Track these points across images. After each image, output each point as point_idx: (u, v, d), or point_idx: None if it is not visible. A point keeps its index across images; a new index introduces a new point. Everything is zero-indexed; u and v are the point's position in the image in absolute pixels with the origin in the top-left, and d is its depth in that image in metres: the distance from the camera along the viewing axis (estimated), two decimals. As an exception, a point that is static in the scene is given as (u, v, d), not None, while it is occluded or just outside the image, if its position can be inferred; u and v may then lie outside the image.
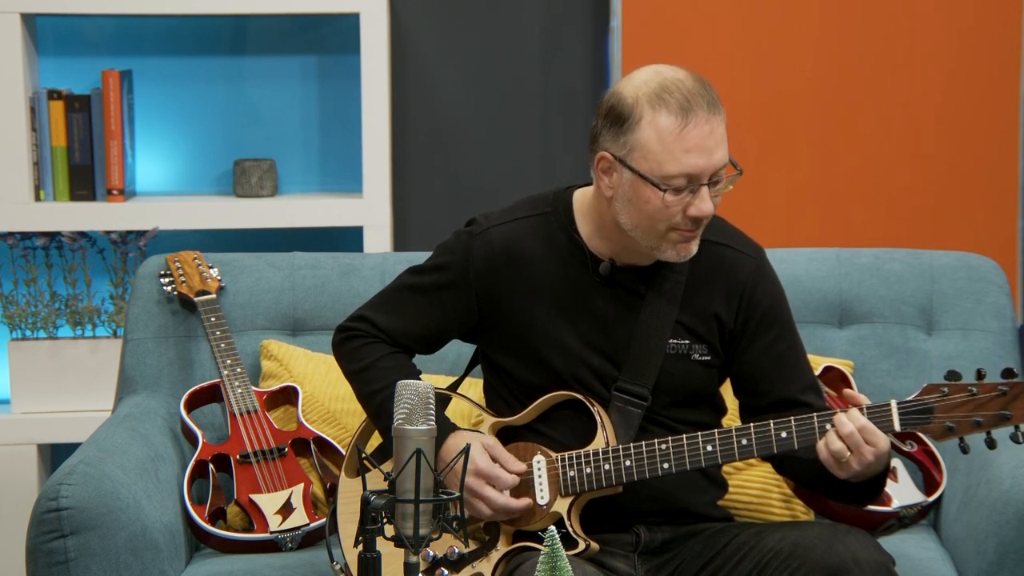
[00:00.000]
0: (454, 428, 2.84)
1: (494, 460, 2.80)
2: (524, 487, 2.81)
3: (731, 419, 3.02)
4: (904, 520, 3.25)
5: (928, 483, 3.32)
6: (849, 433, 2.67)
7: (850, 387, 3.37)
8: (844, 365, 3.40)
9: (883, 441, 2.69)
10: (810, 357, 3.28)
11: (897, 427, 2.70)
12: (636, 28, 4.15)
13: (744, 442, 2.76)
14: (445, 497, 2.26)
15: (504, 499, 2.78)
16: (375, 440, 3.01)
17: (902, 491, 3.27)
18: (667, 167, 2.68)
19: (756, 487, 3.21)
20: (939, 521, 3.28)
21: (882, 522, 3.23)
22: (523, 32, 4.30)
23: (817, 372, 3.36)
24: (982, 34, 4.18)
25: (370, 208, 4.08)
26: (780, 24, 4.17)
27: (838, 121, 4.19)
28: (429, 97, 4.31)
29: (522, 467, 2.81)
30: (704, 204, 2.70)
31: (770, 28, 4.17)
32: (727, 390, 2.97)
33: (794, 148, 4.20)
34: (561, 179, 4.25)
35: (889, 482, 3.26)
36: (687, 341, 2.85)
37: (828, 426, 2.71)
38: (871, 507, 3.20)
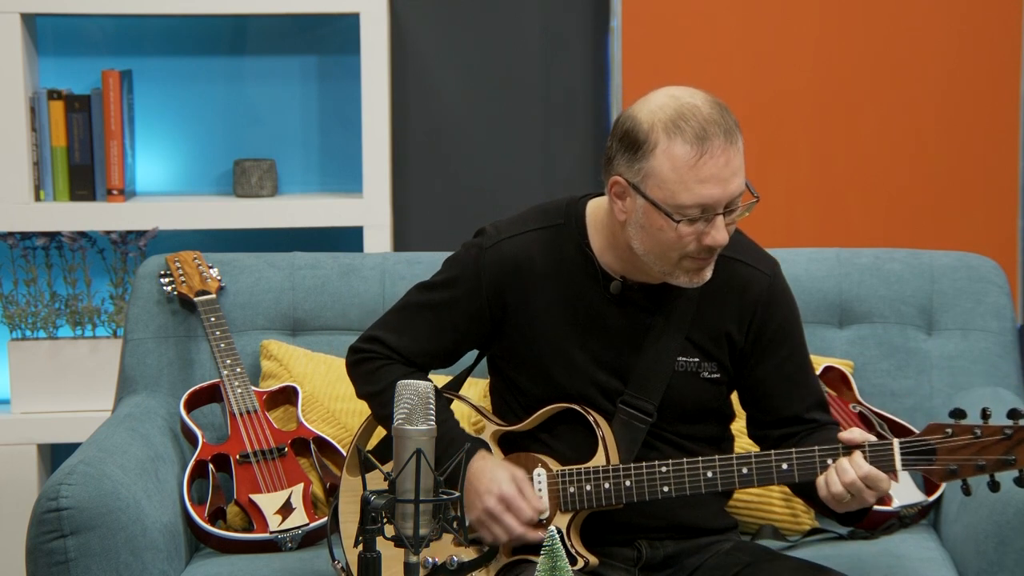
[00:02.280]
0: (465, 440, 2.82)
1: (519, 492, 2.79)
2: None
3: (737, 422, 3.00)
4: (904, 520, 3.25)
5: (928, 483, 3.32)
6: (851, 482, 2.65)
7: (850, 387, 3.37)
8: (844, 365, 3.40)
9: (885, 483, 2.66)
10: (810, 357, 3.28)
11: (899, 467, 2.67)
12: (636, 28, 4.15)
13: (745, 471, 2.73)
14: (445, 497, 2.26)
15: (522, 529, 2.76)
16: (375, 440, 3.01)
17: (902, 491, 3.27)
18: (681, 197, 2.62)
19: (756, 487, 3.21)
20: (939, 521, 3.28)
21: (882, 522, 3.23)
22: (523, 32, 4.30)
23: (817, 372, 3.35)
24: (982, 34, 4.18)
25: (370, 208, 4.08)
26: (780, 24, 4.17)
27: (838, 121, 4.19)
28: (429, 97, 4.30)
29: (545, 507, 2.79)
30: (719, 234, 2.64)
31: (770, 28, 4.17)
32: (735, 397, 2.96)
33: (794, 148, 4.20)
34: (561, 179, 4.25)
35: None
36: (696, 359, 2.82)
37: (829, 461, 2.69)
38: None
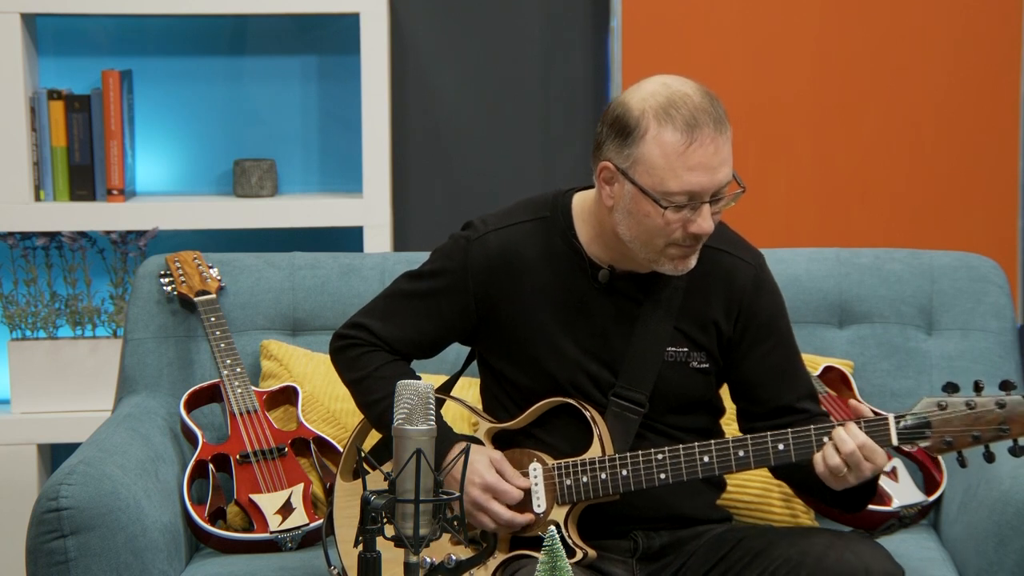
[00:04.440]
0: (457, 439, 2.83)
1: (499, 474, 2.80)
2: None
3: (729, 419, 3.01)
4: (904, 520, 3.25)
5: (928, 483, 3.33)
6: (850, 452, 2.66)
7: (850, 387, 3.37)
8: (844, 365, 3.40)
9: (882, 457, 2.68)
10: (810, 357, 3.29)
11: (895, 441, 2.69)
12: (636, 28, 4.15)
13: (741, 454, 2.74)
14: (445, 497, 2.26)
15: (509, 514, 2.77)
16: (371, 441, 3.00)
17: (902, 491, 3.27)
18: (669, 184, 2.65)
19: (756, 487, 3.21)
20: (939, 521, 3.28)
21: (882, 522, 3.23)
22: (523, 32, 4.30)
23: (817, 372, 3.36)
24: (982, 34, 4.18)
25: (370, 208, 4.08)
26: (780, 24, 4.17)
27: (838, 121, 4.19)
28: (429, 97, 4.31)
29: (527, 483, 2.80)
30: (704, 222, 2.67)
31: (770, 28, 4.17)
32: (725, 393, 2.96)
33: (794, 148, 4.20)
34: (561, 179, 4.25)
35: (889, 482, 3.27)
36: (685, 349, 2.84)
37: (825, 439, 2.70)
38: (871, 507, 3.20)
